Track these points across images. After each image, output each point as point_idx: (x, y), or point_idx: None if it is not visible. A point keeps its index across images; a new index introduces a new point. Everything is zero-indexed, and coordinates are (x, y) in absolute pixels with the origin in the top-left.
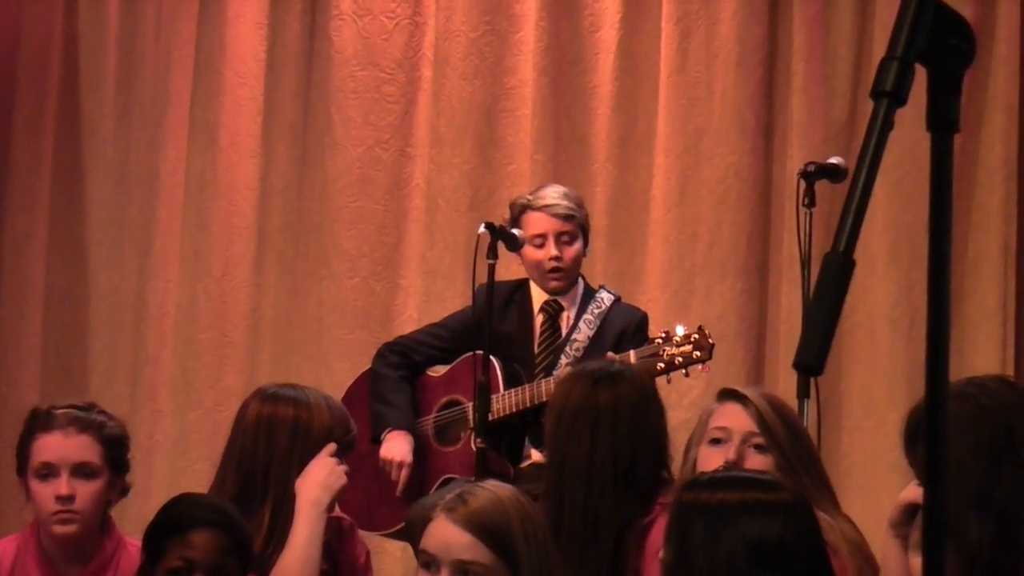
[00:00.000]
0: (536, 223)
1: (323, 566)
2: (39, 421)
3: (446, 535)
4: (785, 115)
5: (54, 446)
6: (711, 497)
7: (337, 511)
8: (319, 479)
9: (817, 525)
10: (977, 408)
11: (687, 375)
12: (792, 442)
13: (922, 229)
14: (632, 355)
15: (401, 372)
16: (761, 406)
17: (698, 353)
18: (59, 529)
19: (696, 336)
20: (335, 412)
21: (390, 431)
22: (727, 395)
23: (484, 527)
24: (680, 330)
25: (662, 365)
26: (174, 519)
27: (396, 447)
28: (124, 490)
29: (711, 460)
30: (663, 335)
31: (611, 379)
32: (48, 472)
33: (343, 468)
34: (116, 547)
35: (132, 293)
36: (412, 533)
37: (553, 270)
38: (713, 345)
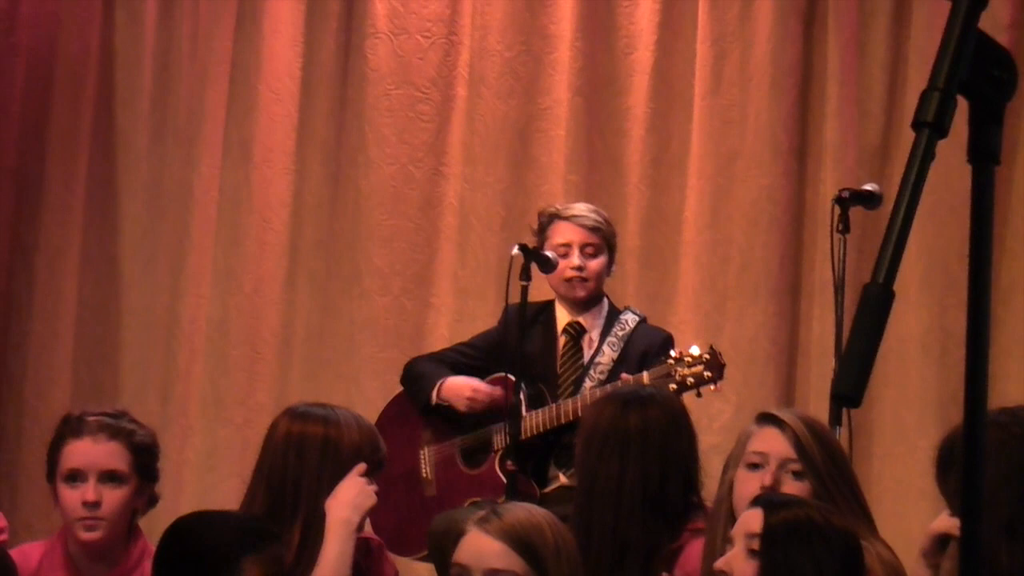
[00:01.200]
0: (562, 232)
1: None
2: (70, 427)
3: (479, 545)
4: (819, 138)
5: (83, 452)
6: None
7: (367, 531)
8: (349, 498)
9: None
10: (1009, 437)
11: (699, 396)
12: (829, 467)
13: (955, 256)
14: (645, 376)
15: (431, 362)
16: (799, 431)
17: (709, 373)
18: (84, 535)
19: (707, 356)
20: (365, 431)
21: (439, 384)
22: (766, 419)
23: (517, 538)
24: (694, 350)
25: (674, 386)
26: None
27: (456, 388)
28: (153, 500)
29: (748, 484)
30: (676, 356)
31: (641, 403)
32: (76, 477)
33: (373, 488)
34: (142, 554)
35: (164, 309)
36: (433, 545)
37: (574, 279)
38: (724, 365)
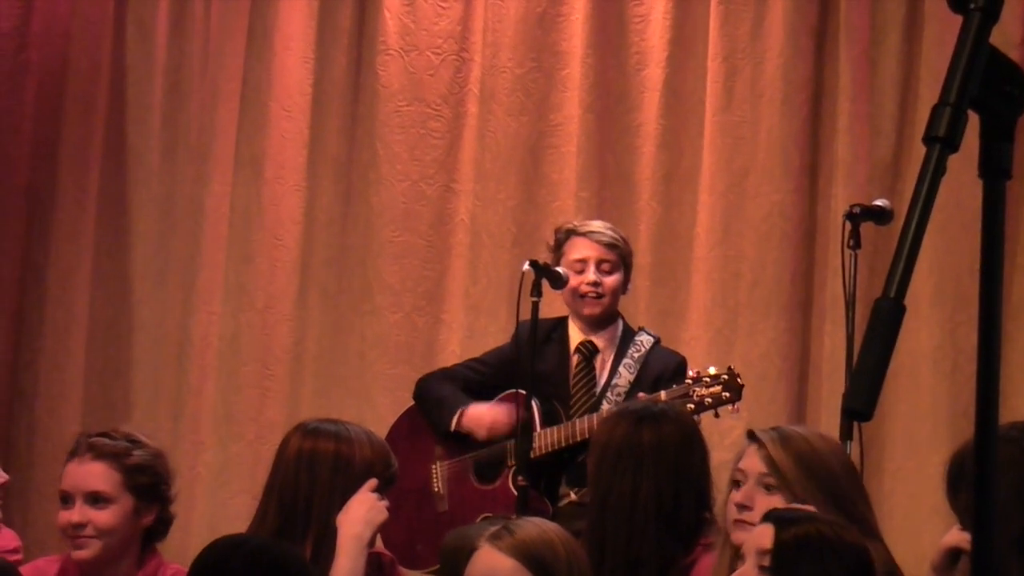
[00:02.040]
0: (579, 248)
1: None
2: (71, 448)
3: (491, 561)
4: (830, 154)
5: (71, 473)
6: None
7: (379, 546)
8: (360, 514)
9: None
10: (1020, 452)
11: (717, 416)
12: (805, 480)
13: (966, 271)
14: (663, 395)
15: (445, 381)
16: (771, 446)
17: (727, 394)
18: (75, 554)
19: (726, 377)
20: (376, 447)
21: (459, 412)
22: (748, 436)
23: (530, 555)
24: (712, 371)
25: (692, 406)
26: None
27: (477, 417)
28: (164, 520)
29: (729, 501)
30: (694, 376)
31: (655, 419)
32: (66, 499)
33: (384, 503)
34: (155, 571)
35: (175, 325)
36: (445, 561)
37: (589, 295)
38: (743, 386)
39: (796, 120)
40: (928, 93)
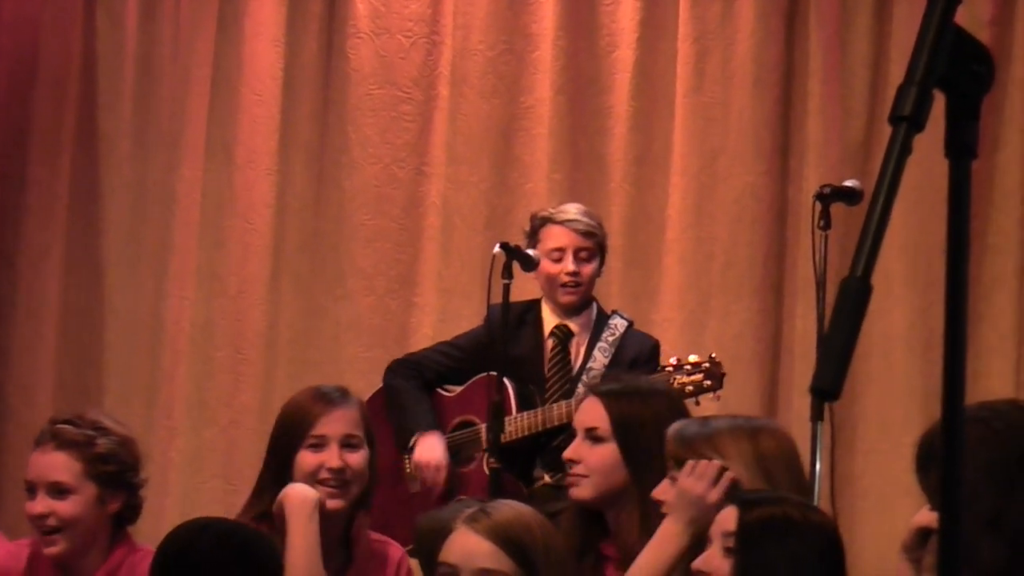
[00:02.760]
0: (556, 236)
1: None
2: (38, 436)
3: (468, 544)
4: (801, 136)
5: (34, 464)
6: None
7: (391, 540)
8: (297, 486)
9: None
10: (990, 432)
11: (698, 404)
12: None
13: (939, 251)
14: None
15: (415, 383)
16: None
17: (709, 382)
18: (45, 550)
19: (707, 365)
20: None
21: (419, 435)
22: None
23: (507, 538)
24: (692, 358)
25: None
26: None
27: (428, 449)
28: (133, 505)
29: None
30: (674, 363)
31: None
32: (31, 489)
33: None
34: (123, 559)
35: (148, 311)
36: (420, 544)
37: (568, 284)
38: (724, 375)
39: (767, 101)
40: (899, 74)
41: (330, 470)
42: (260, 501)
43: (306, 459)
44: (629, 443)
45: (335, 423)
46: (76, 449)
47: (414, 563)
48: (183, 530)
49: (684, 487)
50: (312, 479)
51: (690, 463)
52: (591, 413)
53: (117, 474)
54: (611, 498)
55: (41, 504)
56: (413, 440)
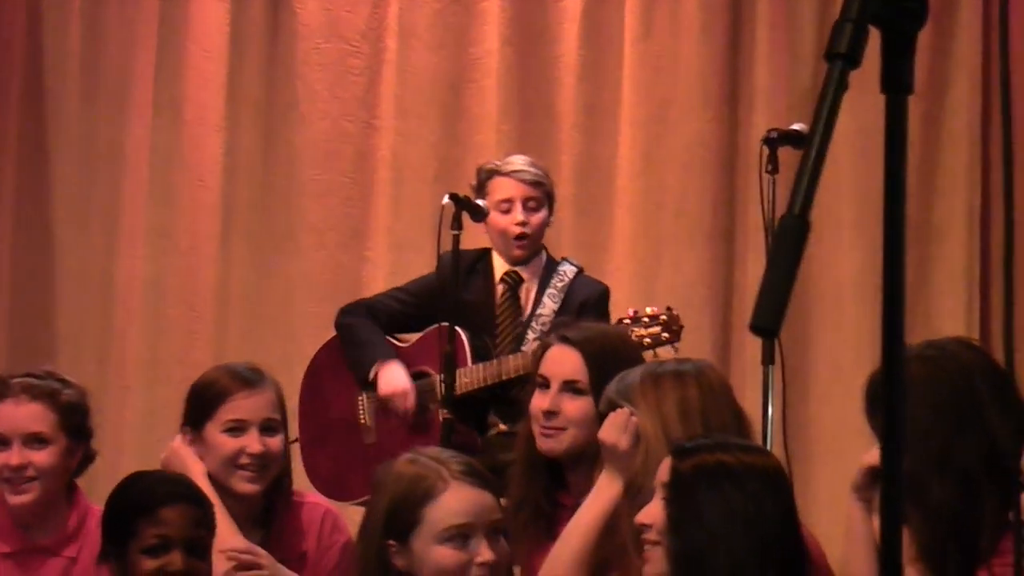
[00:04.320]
0: (503, 188)
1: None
2: None
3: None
4: (750, 82)
5: (6, 415)
6: (712, 458)
7: (318, 499)
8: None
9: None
10: (937, 370)
11: (656, 356)
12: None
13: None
14: None
15: (368, 320)
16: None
17: (667, 335)
18: (13, 499)
19: (665, 317)
20: None
21: (380, 365)
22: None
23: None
24: (649, 310)
25: None
26: (140, 498)
27: (392, 378)
28: (89, 457)
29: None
30: (632, 315)
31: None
32: (2, 442)
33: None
34: (84, 515)
35: (99, 270)
36: (378, 496)
37: (519, 237)
38: (682, 327)
39: (715, 49)
40: None
41: (251, 455)
42: None
43: (225, 443)
44: None
45: (255, 407)
46: (50, 400)
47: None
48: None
49: (601, 439)
50: (231, 463)
51: (609, 416)
52: (570, 365)
53: (82, 425)
54: (580, 451)
55: (18, 455)
56: (373, 372)
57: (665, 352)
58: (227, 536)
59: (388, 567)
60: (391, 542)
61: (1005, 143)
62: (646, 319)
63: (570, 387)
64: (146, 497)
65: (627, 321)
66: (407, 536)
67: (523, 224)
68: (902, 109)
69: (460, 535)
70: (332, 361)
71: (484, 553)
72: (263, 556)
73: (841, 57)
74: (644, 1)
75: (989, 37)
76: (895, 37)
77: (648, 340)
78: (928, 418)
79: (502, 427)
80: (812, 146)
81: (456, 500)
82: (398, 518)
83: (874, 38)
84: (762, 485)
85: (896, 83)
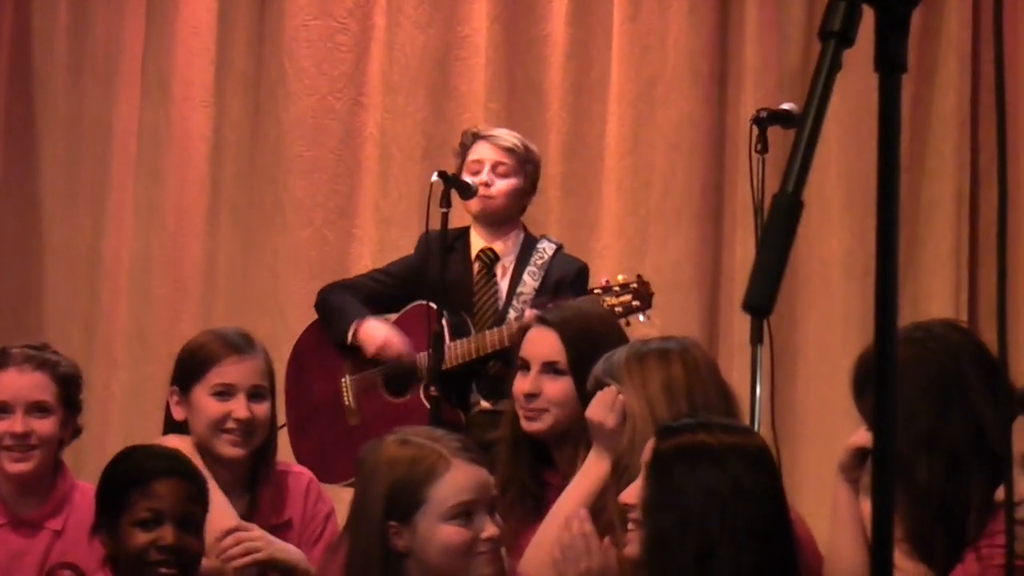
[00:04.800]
0: (477, 150)
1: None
2: None
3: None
4: (739, 62)
5: (9, 384)
6: (690, 438)
7: (294, 467)
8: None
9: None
10: (924, 352)
11: (628, 324)
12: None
13: (876, 176)
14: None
15: (344, 293)
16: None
17: (637, 303)
18: (13, 467)
19: (635, 285)
20: None
21: (356, 324)
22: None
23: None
24: (620, 279)
25: None
26: (134, 471)
27: (372, 333)
28: (76, 431)
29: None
30: (603, 285)
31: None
32: (3, 409)
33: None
34: (70, 487)
35: (86, 246)
36: (363, 474)
37: (484, 195)
38: (652, 294)
39: (704, 28)
40: None
41: (237, 420)
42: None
43: (211, 406)
44: (584, 377)
45: (244, 373)
46: (51, 369)
47: (347, 493)
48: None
49: (588, 417)
50: (216, 427)
51: (597, 395)
52: (548, 346)
53: (75, 398)
54: (564, 430)
55: (22, 423)
56: (351, 332)
57: (638, 323)
58: (221, 514)
59: (390, 549)
60: (392, 523)
61: (999, 125)
62: (616, 288)
63: (550, 368)
64: (139, 470)
65: (598, 291)
66: (410, 517)
67: (486, 185)
68: (896, 88)
69: (464, 512)
70: (314, 345)
71: (489, 528)
72: (257, 535)
73: (835, 35)
74: None
75: (979, 17)
76: (889, 16)
77: (619, 309)
78: (915, 400)
79: (485, 405)
80: (805, 124)
81: (461, 477)
82: (400, 499)
83: (865, 17)
84: (744, 465)
85: (890, 62)
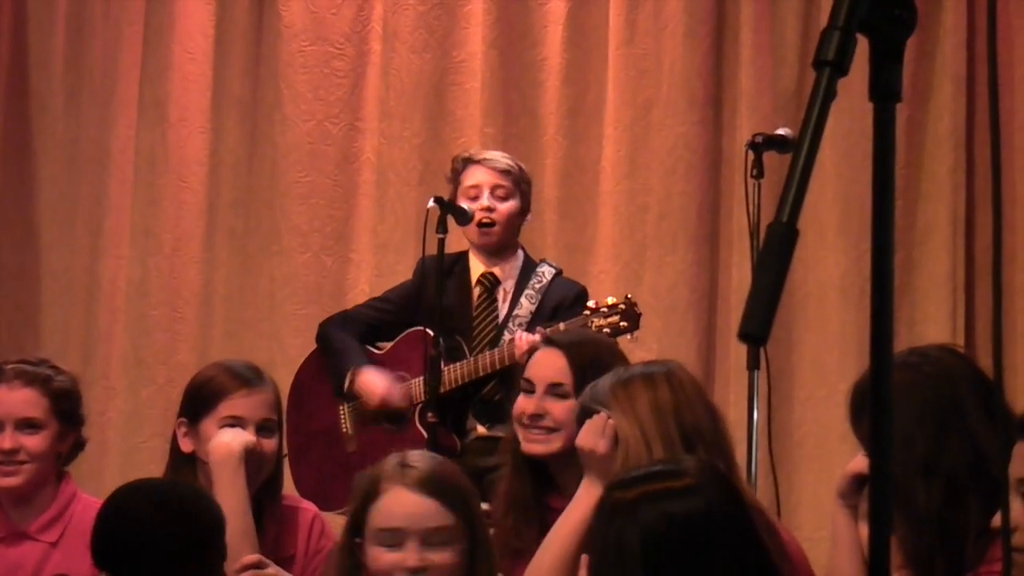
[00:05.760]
0: (473, 175)
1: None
2: None
3: (408, 504)
4: (734, 86)
5: None
6: (610, 497)
7: (303, 502)
8: (221, 440)
9: (734, 495)
10: (921, 377)
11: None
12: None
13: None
14: (562, 326)
15: (345, 332)
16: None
17: (625, 323)
18: (1, 481)
19: (623, 306)
20: None
21: (354, 372)
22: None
23: (443, 490)
24: (609, 300)
25: None
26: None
27: (370, 383)
28: (79, 444)
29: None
30: (592, 306)
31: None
32: None
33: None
34: (70, 499)
35: (83, 270)
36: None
37: (483, 224)
38: (640, 315)
39: (699, 52)
40: None
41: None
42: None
43: None
44: None
45: (253, 406)
46: (42, 385)
47: (340, 520)
48: (119, 498)
49: (578, 445)
50: None
51: (587, 422)
52: (554, 368)
53: (73, 411)
54: (571, 452)
55: (10, 439)
56: (348, 380)
57: (626, 343)
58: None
59: (358, 563)
60: (358, 539)
61: (993, 147)
62: (605, 309)
63: (555, 390)
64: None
65: (587, 313)
66: (362, 535)
67: (489, 210)
68: (890, 117)
69: (391, 538)
70: (313, 373)
71: (411, 559)
72: (272, 572)
73: (829, 64)
74: (628, 3)
75: (973, 42)
76: (883, 45)
77: (607, 329)
78: (912, 425)
79: (481, 430)
80: (800, 154)
81: (395, 504)
82: (356, 516)
83: (860, 42)
84: (676, 520)
85: (884, 91)
